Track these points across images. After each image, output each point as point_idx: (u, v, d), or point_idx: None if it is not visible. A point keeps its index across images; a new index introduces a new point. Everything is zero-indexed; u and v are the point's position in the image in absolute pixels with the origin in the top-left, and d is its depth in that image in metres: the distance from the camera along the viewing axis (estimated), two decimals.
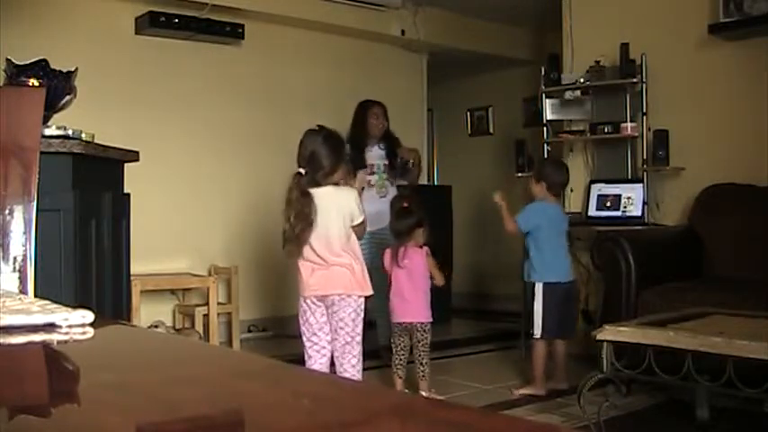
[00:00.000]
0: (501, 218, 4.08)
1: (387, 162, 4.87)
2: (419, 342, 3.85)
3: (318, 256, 3.15)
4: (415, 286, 3.87)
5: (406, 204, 3.96)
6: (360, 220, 3.22)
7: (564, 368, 3.99)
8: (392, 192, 4.77)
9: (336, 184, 3.20)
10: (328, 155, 3.14)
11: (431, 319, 3.90)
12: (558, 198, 4.18)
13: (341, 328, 3.18)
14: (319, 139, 3.17)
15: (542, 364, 3.94)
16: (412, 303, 3.87)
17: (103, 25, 5.09)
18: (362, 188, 4.45)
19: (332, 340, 3.23)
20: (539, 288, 3.96)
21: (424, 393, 3.78)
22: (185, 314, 5.24)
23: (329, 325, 3.23)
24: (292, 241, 3.13)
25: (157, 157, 4.74)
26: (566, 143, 5.31)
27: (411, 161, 5.01)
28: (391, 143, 4.90)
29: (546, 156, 5.22)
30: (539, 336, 3.96)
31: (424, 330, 3.86)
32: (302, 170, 3.14)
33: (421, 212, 3.94)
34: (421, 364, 3.85)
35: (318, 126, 3.25)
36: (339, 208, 3.16)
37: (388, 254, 3.96)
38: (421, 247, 3.91)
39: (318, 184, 3.13)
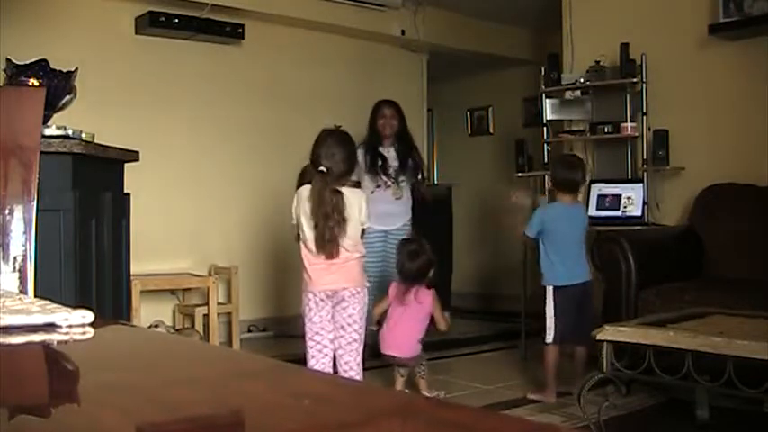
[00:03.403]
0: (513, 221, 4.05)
1: (398, 163, 4.82)
2: (414, 367, 3.87)
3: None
4: (414, 326, 3.82)
5: (415, 247, 3.87)
6: (367, 224, 3.26)
7: (582, 374, 3.70)
8: (407, 194, 4.77)
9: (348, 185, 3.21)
10: (345, 155, 3.15)
11: (418, 354, 3.86)
12: (573, 196, 3.95)
13: (348, 325, 3.18)
14: (337, 140, 3.18)
15: (554, 370, 3.82)
16: (404, 343, 3.81)
17: (103, 25, 5.09)
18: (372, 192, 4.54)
19: (336, 338, 3.22)
20: (549, 291, 3.89)
21: (426, 393, 3.78)
22: (185, 314, 5.24)
23: (333, 323, 3.22)
24: (330, 240, 3.09)
25: (157, 156, 4.75)
26: (566, 143, 5.31)
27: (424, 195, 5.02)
28: (403, 144, 4.85)
29: (548, 156, 5.22)
30: (550, 341, 3.85)
31: (416, 363, 3.86)
32: (324, 168, 3.10)
33: (431, 252, 3.87)
34: (420, 364, 3.87)
35: (336, 126, 3.27)
36: (357, 208, 3.17)
37: (394, 288, 3.89)
38: (429, 287, 3.86)
39: (335, 183, 3.13)
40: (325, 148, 3.14)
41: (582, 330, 3.81)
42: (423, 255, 3.83)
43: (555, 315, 3.86)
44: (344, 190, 3.15)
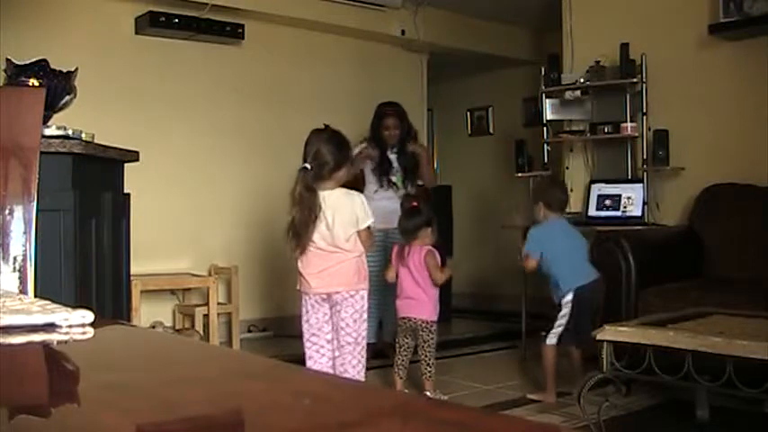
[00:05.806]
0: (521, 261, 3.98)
1: (401, 164, 4.84)
2: (425, 342, 3.82)
3: (324, 253, 3.16)
4: (420, 285, 3.84)
5: (414, 204, 3.97)
6: (366, 223, 3.21)
7: (580, 373, 3.65)
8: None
9: (343, 184, 3.22)
10: (332, 152, 3.16)
11: (435, 318, 3.86)
12: (561, 215, 3.94)
13: (342, 329, 3.18)
14: (324, 138, 3.19)
15: (554, 371, 3.76)
16: (416, 301, 3.84)
17: (103, 25, 5.09)
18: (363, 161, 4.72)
19: (332, 339, 3.22)
20: (568, 297, 3.76)
21: (429, 394, 3.78)
22: (185, 314, 5.23)
23: (331, 325, 3.22)
24: (297, 236, 3.13)
25: (158, 156, 4.75)
26: (566, 143, 5.31)
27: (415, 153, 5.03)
28: (404, 147, 4.85)
29: (548, 156, 5.22)
30: (554, 342, 3.78)
31: (430, 330, 3.83)
32: (308, 165, 3.14)
33: (430, 212, 3.93)
34: (427, 364, 3.83)
35: (324, 125, 3.29)
36: (348, 209, 3.16)
37: (395, 251, 3.96)
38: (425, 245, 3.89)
39: (324, 180, 3.14)
40: (310, 147, 3.18)
41: (583, 331, 3.77)
42: (420, 213, 3.91)
43: (570, 317, 3.75)
44: (338, 191, 3.16)
